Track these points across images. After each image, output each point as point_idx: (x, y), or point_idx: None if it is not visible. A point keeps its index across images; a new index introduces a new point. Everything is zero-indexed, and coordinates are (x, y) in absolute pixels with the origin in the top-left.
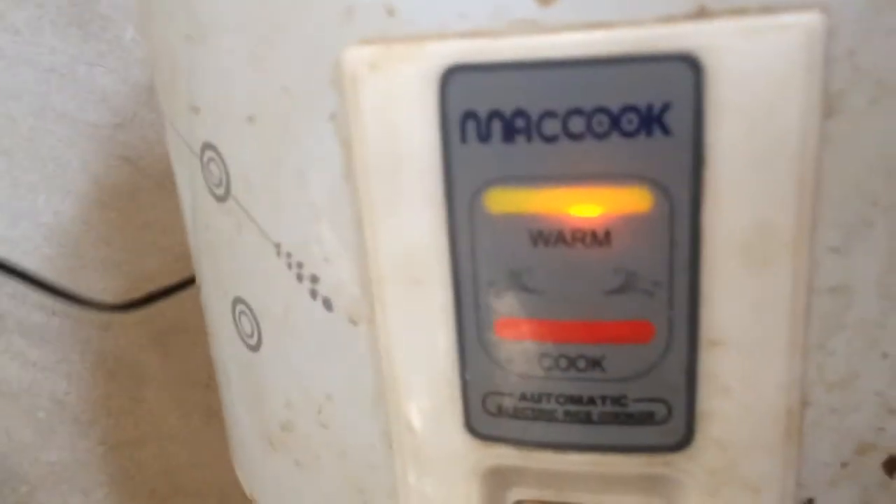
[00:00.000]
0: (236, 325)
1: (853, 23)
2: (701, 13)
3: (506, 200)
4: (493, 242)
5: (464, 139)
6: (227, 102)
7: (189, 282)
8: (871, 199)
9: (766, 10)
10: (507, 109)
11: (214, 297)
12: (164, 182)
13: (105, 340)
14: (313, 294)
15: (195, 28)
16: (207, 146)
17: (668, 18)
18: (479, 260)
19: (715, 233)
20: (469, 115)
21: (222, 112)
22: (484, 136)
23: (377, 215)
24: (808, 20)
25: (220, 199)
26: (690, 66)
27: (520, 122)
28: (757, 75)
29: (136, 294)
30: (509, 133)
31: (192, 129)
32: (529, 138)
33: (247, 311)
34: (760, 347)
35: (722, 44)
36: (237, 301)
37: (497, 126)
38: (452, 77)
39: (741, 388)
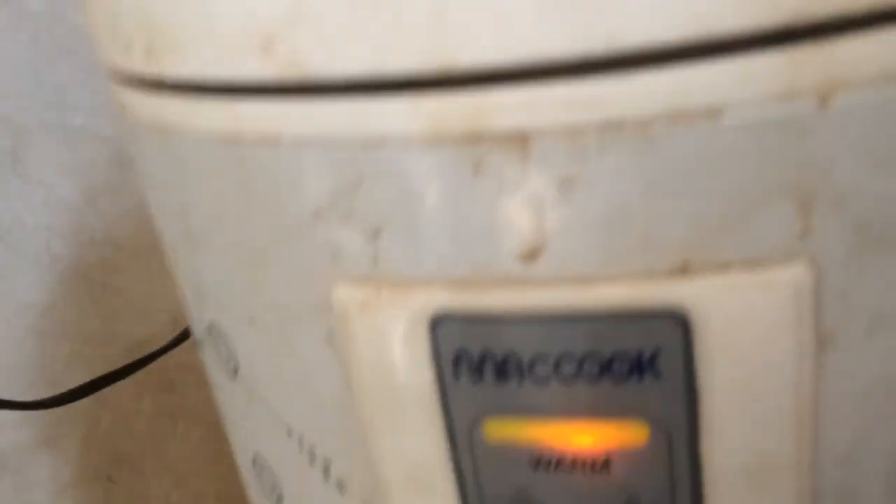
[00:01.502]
0: (260, 481)
1: (841, 268)
2: (685, 269)
3: (503, 431)
4: (495, 466)
5: (457, 377)
6: (228, 300)
7: (99, 381)
8: (872, 416)
9: (750, 265)
10: (497, 353)
11: (237, 450)
12: (41, 258)
13: None
14: (326, 475)
15: (191, 231)
16: (213, 327)
17: (652, 274)
18: (482, 479)
19: (714, 462)
20: (460, 356)
21: (225, 305)
22: (476, 376)
23: (378, 432)
24: (795, 274)
25: (230, 374)
26: (677, 320)
27: (511, 365)
28: (745, 327)
29: (16, 389)
30: (501, 374)
31: (198, 307)
32: (521, 379)
33: (266, 467)
34: None
35: (707, 300)
36: (257, 458)
37: (489, 367)
38: (441, 323)
39: None
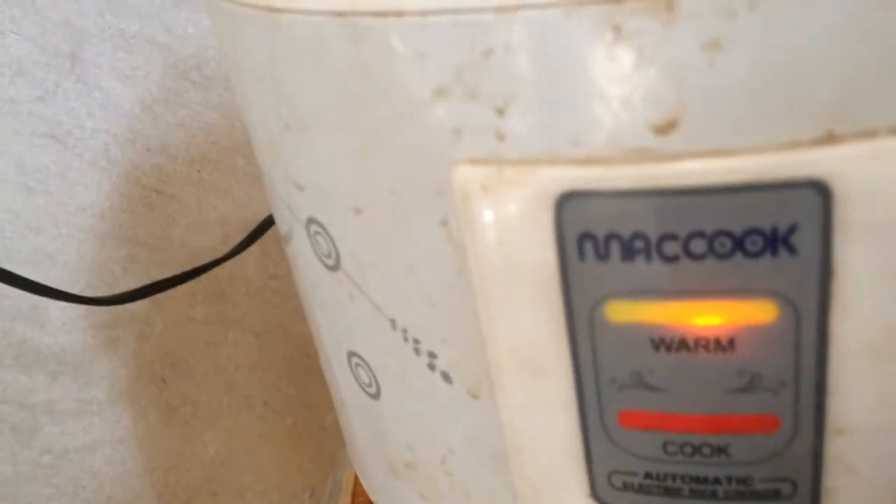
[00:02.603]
0: (353, 375)
1: None
2: (829, 138)
3: (626, 312)
4: (614, 347)
5: (581, 257)
6: (332, 189)
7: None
8: None
9: None
10: (625, 232)
11: (329, 346)
12: (98, 161)
13: (41, 338)
14: (431, 367)
15: (295, 119)
16: (313, 221)
17: (794, 144)
18: (599, 361)
19: (842, 338)
20: (586, 237)
21: (327, 196)
22: (602, 256)
23: (494, 315)
24: None
25: (331, 268)
26: (818, 190)
27: (638, 244)
28: (889, 197)
29: (75, 288)
30: (628, 253)
31: (295, 202)
32: (649, 258)
33: (363, 364)
34: (888, 432)
35: (851, 168)
36: (353, 354)
37: (615, 247)
38: (567, 202)
39: (867, 469)
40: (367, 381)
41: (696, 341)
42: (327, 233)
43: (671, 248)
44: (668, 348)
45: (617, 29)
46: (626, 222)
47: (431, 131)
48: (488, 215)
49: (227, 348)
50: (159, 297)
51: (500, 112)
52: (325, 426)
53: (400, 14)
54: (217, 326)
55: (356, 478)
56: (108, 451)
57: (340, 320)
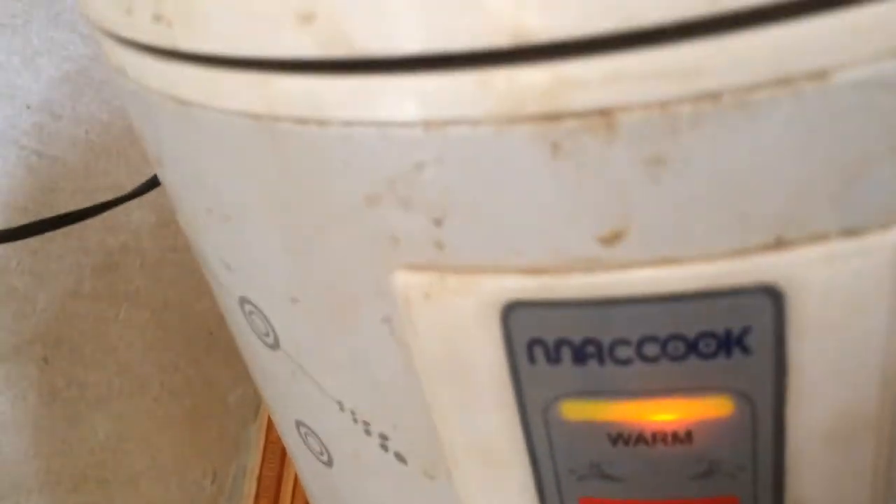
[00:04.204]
0: (305, 443)
1: None
2: (779, 244)
3: (581, 410)
4: (571, 442)
5: (532, 361)
6: (264, 278)
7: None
8: None
9: (848, 233)
10: (576, 338)
11: (279, 413)
12: None
13: None
14: (384, 448)
15: (218, 206)
16: (246, 301)
17: (744, 251)
18: (557, 454)
19: (798, 426)
20: (535, 342)
21: (259, 283)
22: (553, 360)
23: (446, 411)
24: (894, 240)
25: (271, 347)
26: (770, 295)
27: (590, 349)
28: (841, 298)
29: None
30: (580, 358)
31: (226, 279)
32: (602, 362)
33: (313, 435)
34: (844, 500)
35: (803, 273)
36: (301, 424)
37: (566, 352)
38: (514, 311)
39: None
40: (318, 450)
41: (654, 435)
42: (263, 314)
43: (624, 352)
44: (626, 442)
45: (556, 147)
46: (576, 329)
47: (366, 237)
48: (432, 321)
49: (118, 326)
50: (41, 270)
51: (438, 222)
52: (228, 407)
53: (322, 124)
54: (108, 302)
55: (262, 461)
56: None
57: (286, 393)
